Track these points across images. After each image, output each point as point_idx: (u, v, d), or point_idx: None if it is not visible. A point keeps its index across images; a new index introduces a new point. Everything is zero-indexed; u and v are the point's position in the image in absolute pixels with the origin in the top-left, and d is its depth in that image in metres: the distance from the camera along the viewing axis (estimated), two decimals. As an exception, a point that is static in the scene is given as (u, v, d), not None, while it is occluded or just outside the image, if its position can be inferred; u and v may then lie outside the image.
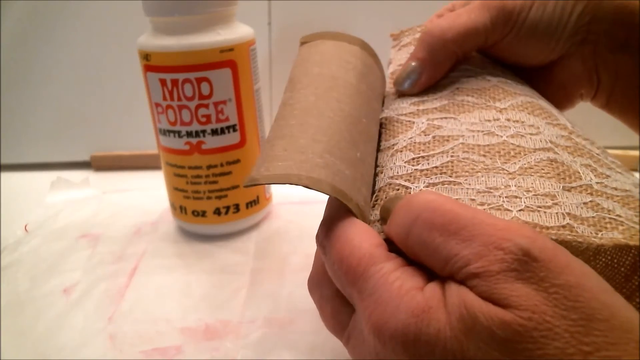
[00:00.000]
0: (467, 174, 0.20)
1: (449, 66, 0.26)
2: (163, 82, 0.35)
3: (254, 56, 0.37)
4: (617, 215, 0.18)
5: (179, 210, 0.40)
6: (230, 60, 0.35)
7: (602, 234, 0.17)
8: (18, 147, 0.57)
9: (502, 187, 0.19)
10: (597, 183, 0.19)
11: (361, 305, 0.17)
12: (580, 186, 0.19)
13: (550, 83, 0.27)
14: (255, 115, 0.38)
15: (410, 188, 0.20)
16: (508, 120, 0.22)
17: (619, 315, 0.14)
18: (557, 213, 0.18)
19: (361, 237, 0.18)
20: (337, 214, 0.19)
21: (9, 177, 0.55)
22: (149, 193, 0.48)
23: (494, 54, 0.27)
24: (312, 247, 0.41)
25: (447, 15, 0.26)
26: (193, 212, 0.39)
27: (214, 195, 0.38)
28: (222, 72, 0.35)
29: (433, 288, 0.16)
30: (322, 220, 0.20)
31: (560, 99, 0.28)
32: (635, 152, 0.50)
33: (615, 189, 0.19)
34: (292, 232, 0.41)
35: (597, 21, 0.25)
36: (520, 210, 0.18)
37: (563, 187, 0.19)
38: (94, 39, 0.53)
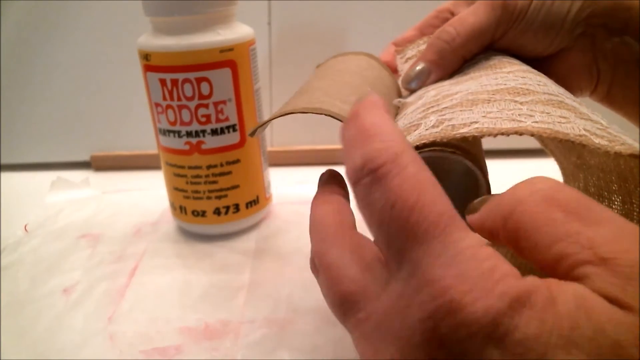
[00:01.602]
0: (477, 105, 0.20)
1: (457, 66, 0.26)
2: (163, 82, 0.35)
3: (253, 56, 0.37)
4: (628, 140, 0.18)
5: (179, 210, 0.40)
6: (230, 60, 0.35)
7: (617, 145, 0.17)
8: (18, 147, 0.57)
9: (514, 109, 0.19)
10: (606, 124, 0.19)
11: (427, 274, 0.13)
12: (592, 119, 0.19)
13: (550, 76, 0.28)
14: (255, 115, 0.38)
15: (421, 124, 0.20)
16: (516, 76, 0.22)
17: None
18: (572, 126, 0.17)
19: (440, 190, 0.14)
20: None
21: (9, 177, 0.55)
22: (149, 193, 0.48)
23: (495, 47, 0.28)
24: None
25: (454, 20, 0.26)
26: (193, 212, 0.39)
27: (213, 195, 0.38)
28: (222, 72, 0.35)
29: (536, 281, 0.12)
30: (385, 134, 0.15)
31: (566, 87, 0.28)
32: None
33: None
34: (292, 232, 0.41)
35: (596, 15, 0.25)
36: (535, 122, 0.17)
37: (575, 115, 0.19)
38: (94, 39, 0.53)
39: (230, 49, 0.35)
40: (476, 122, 0.18)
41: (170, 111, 0.36)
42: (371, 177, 0.14)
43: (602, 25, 0.26)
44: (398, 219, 0.13)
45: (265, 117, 0.48)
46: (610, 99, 0.28)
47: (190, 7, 0.34)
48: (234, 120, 0.36)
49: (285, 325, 0.30)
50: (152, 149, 0.51)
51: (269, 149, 0.50)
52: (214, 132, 0.36)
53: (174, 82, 0.34)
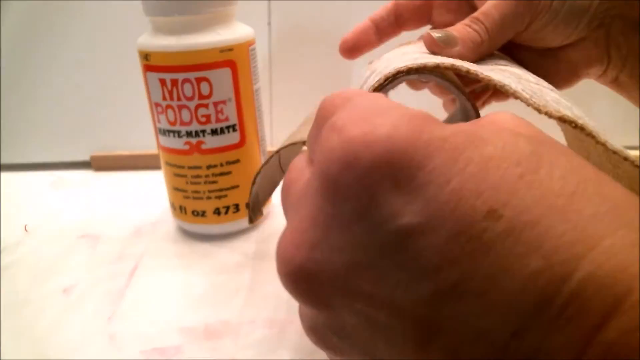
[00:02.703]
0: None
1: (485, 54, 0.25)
2: (163, 82, 0.35)
3: (253, 56, 0.37)
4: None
5: (179, 210, 0.40)
6: (230, 60, 0.35)
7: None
8: (18, 147, 0.57)
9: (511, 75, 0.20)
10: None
11: (327, 129, 0.13)
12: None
13: (560, 61, 0.28)
14: (255, 115, 0.38)
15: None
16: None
17: None
18: (565, 107, 0.18)
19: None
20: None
21: (9, 177, 0.55)
22: (149, 193, 0.48)
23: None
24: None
25: (481, 16, 0.25)
26: (193, 212, 0.39)
27: (213, 195, 0.38)
28: (222, 72, 0.35)
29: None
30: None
31: (567, 76, 0.28)
32: (635, 152, 0.50)
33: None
34: (292, 232, 0.41)
35: (614, 6, 0.25)
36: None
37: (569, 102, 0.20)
38: (94, 39, 0.53)
39: (230, 49, 0.35)
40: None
41: (170, 111, 0.36)
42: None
43: (618, 16, 0.25)
44: (317, 115, 0.15)
45: (265, 117, 0.49)
46: (617, 84, 0.28)
47: (190, 7, 0.34)
48: (233, 120, 0.36)
49: (285, 326, 0.30)
50: (152, 149, 0.51)
51: (269, 149, 0.50)
52: (214, 132, 0.36)
53: (174, 82, 0.34)
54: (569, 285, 0.10)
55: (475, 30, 0.24)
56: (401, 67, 0.19)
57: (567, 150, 0.12)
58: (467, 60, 0.23)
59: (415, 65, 0.19)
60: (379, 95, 0.14)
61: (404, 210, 0.11)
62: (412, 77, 0.20)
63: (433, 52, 0.23)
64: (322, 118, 0.14)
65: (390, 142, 0.11)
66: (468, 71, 0.19)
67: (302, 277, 0.13)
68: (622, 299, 0.10)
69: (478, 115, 0.23)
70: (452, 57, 0.23)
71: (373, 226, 0.12)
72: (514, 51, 0.27)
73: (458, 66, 0.19)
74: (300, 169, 0.15)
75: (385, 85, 0.20)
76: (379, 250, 0.12)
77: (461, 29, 0.24)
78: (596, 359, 0.10)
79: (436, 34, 0.23)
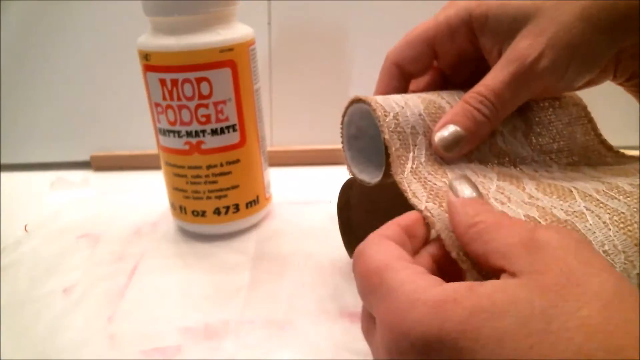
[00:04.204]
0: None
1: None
2: (163, 82, 0.35)
3: (253, 56, 0.37)
4: None
5: (179, 210, 0.40)
6: (230, 60, 0.35)
7: None
8: (18, 147, 0.57)
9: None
10: None
11: (377, 313, 0.17)
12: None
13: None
14: (255, 115, 0.38)
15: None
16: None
17: None
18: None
19: (383, 250, 0.19)
20: (366, 241, 0.20)
21: (9, 177, 0.55)
22: (149, 193, 0.48)
23: None
24: (311, 247, 0.41)
25: (484, 92, 0.25)
26: (193, 212, 0.39)
27: (213, 195, 0.38)
28: (222, 72, 0.35)
29: (456, 284, 0.16)
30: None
31: (590, 83, 0.28)
32: (635, 152, 0.50)
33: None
34: (292, 232, 0.41)
35: (626, 49, 0.25)
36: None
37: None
38: (94, 39, 0.53)
39: (230, 49, 0.35)
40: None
41: (170, 111, 0.36)
42: (353, 269, 0.20)
43: (631, 46, 0.24)
44: (359, 285, 0.19)
45: (265, 117, 0.48)
46: (625, 86, 0.28)
47: (190, 7, 0.34)
48: (233, 120, 0.36)
49: (285, 326, 0.30)
50: (152, 149, 0.51)
51: (269, 149, 0.50)
52: (214, 132, 0.36)
53: (174, 82, 0.34)
54: None
55: (483, 114, 0.24)
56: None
57: (591, 287, 0.14)
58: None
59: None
60: (410, 277, 0.17)
61: None
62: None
63: (440, 157, 0.25)
64: (365, 288, 0.19)
65: (425, 336, 0.15)
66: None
67: None
68: None
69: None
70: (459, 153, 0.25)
71: None
72: None
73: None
74: (367, 320, 0.21)
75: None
76: None
77: (465, 118, 0.24)
78: None
79: (440, 141, 0.24)
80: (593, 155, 0.28)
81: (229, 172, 0.38)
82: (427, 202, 0.21)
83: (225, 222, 0.39)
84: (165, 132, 0.37)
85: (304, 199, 0.46)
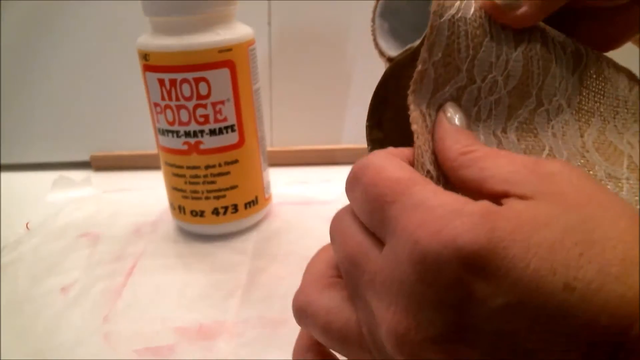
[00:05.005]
0: None
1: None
2: (161, 82, 0.35)
3: (253, 56, 0.37)
4: None
5: (178, 210, 0.40)
6: (229, 61, 0.35)
7: None
8: (18, 147, 0.57)
9: None
10: None
11: (404, 222, 0.15)
12: None
13: (610, 24, 0.26)
14: (254, 115, 0.38)
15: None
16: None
17: None
18: None
19: (402, 165, 0.17)
20: (375, 155, 0.18)
21: (9, 177, 0.55)
22: (148, 193, 0.48)
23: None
24: (310, 247, 0.41)
25: None
26: (191, 212, 0.39)
27: (212, 196, 0.38)
28: (221, 72, 0.35)
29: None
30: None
31: (612, 41, 0.27)
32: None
33: None
34: (291, 232, 0.41)
35: None
36: None
37: None
38: (94, 39, 0.53)
39: (229, 49, 0.35)
40: None
41: (168, 111, 0.36)
42: (351, 182, 0.18)
43: None
44: (370, 195, 0.16)
45: (265, 117, 0.48)
46: None
47: (189, 7, 0.34)
48: (232, 120, 0.36)
49: (278, 325, 0.30)
50: (152, 149, 0.51)
51: (268, 149, 0.50)
52: (212, 132, 0.36)
53: (172, 82, 0.34)
54: (634, 331, 0.13)
55: None
56: None
57: (614, 208, 0.15)
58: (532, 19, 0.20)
59: None
60: (442, 190, 0.16)
61: (496, 292, 0.14)
62: None
63: (494, 18, 0.20)
64: (380, 197, 0.16)
65: (475, 243, 0.14)
66: None
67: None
68: None
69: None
70: (515, 20, 0.20)
71: (472, 309, 0.14)
72: (564, 17, 0.24)
73: None
74: (365, 252, 0.17)
75: None
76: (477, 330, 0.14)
77: None
78: None
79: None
80: None
81: (227, 173, 0.38)
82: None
83: (224, 223, 0.39)
84: (164, 132, 0.37)
85: (304, 199, 0.46)
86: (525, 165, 0.16)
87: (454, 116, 0.19)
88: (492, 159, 0.17)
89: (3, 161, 0.57)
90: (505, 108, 0.20)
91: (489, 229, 0.14)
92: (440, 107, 0.20)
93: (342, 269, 0.18)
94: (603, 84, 0.24)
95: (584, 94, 0.23)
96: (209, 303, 0.33)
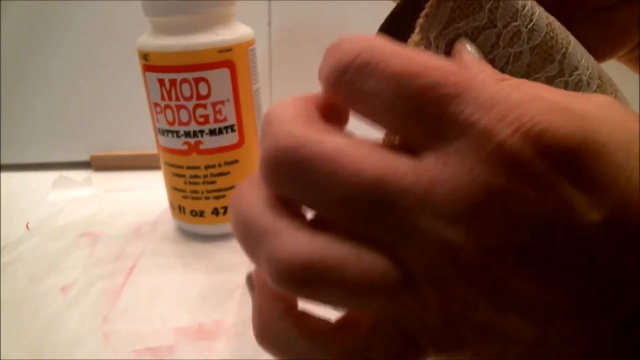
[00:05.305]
0: None
1: None
2: (161, 82, 0.35)
3: (253, 56, 0.37)
4: None
5: (178, 210, 0.40)
6: (229, 61, 0.35)
7: None
8: (18, 147, 0.57)
9: None
10: None
11: (477, 116, 0.12)
12: None
13: (607, 25, 0.26)
14: (254, 115, 0.38)
15: None
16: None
17: None
18: None
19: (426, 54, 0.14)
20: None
21: (9, 177, 0.55)
22: (149, 193, 0.48)
23: None
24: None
25: None
26: (191, 212, 0.39)
27: (212, 196, 0.38)
28: (220, 72, 0.35)
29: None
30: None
31: (609, 46, 0.27)
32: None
33: None
34: (290, 232, 0.41)
35: None
36: None
37: None
38: (93, 39, 0.53)
39: (228, 49, 0.35)
40: None
41: (168, 111, 0.36)
42: (353, 70, 0.13)
43: None
44: (413, 90, 0.12)
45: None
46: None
47: (189, 7, 0.34)
48: (232, 120, 0.36)
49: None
50: (152, 149, 0.51)
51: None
52: (212, 132, 0.36)
53: (172, 82, 0.34)
54: None
55: None
56: None
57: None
58: None
59: None
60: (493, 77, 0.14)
61: (598, 204, 0.12)
62: None
63: None
64: (433, 97, 0.12)
65: (579, 139, 0.12)
66: None
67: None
68: None
69: None
70: None
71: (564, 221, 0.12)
72: (561, 13, 0.25)
73: None
74: (395, 169, 0.12)
75: None
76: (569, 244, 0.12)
77: None
78: None
79: None
80: None
81: (227, 173, 0.38)
82: None
83: (224, 222, 0.39)
84: (163, 132, 0.37)
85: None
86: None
87: (473, 52, 0.16)
88: (535, 86, 0.14)
89: (3, 161, 0.57)
90: (524, 65, 0.18)
91: (591, 128, 0.12)
92: (451, 41, 0.17)
93: (358, 209, 0.13)
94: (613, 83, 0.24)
95: (604, 80, 0.21)
96: (208, 303, 0.33)
